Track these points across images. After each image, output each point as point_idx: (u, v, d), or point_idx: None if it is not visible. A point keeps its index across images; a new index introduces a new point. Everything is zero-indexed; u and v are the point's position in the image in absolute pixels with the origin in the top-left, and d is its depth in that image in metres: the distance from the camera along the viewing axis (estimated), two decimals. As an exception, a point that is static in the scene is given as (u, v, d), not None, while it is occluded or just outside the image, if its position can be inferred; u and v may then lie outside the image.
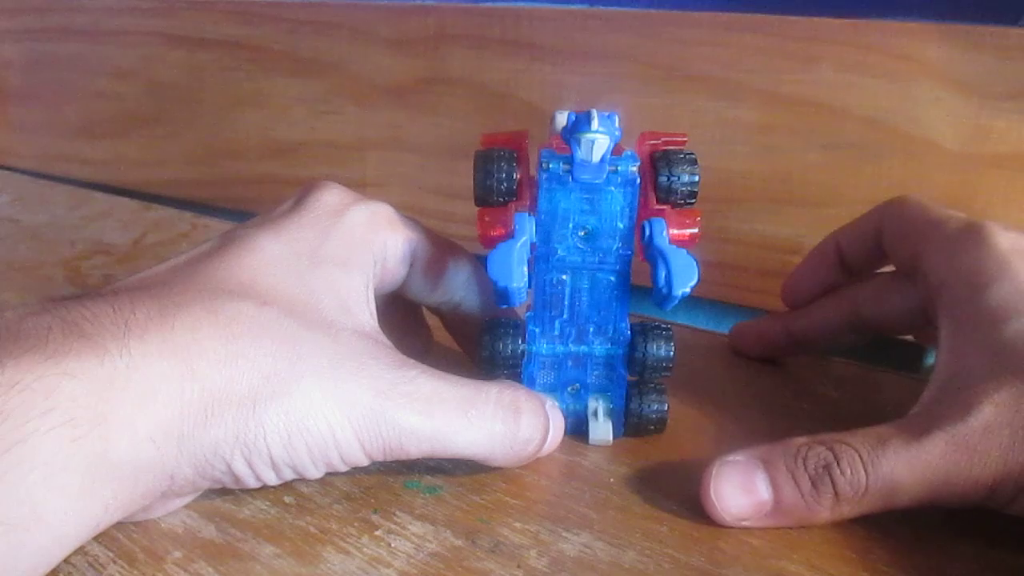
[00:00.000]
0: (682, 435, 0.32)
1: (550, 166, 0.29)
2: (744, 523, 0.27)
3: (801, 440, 0.27)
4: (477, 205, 0.30)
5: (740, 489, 0.27)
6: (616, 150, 0.29)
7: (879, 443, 0.26)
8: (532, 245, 0.29)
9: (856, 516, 0.26)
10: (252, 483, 0.25)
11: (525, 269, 0.28)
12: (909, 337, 0.39)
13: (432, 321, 0.37)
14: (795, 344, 0.38)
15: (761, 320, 0.40)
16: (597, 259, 0.30)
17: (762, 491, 0.26)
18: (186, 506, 0.27)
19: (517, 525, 0.27)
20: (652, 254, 0.29)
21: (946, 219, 0.31)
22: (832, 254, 0.36)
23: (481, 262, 0.31)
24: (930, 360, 0.43)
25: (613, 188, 0.29)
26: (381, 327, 0.29)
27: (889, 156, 0.40)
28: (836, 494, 0.26)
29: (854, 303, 0.35)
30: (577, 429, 0.32)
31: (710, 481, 0.27)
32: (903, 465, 0.25)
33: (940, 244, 0.30)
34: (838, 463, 0.26)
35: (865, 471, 0.25)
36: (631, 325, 0.31)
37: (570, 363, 0.32)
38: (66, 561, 0.24)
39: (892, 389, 0.37)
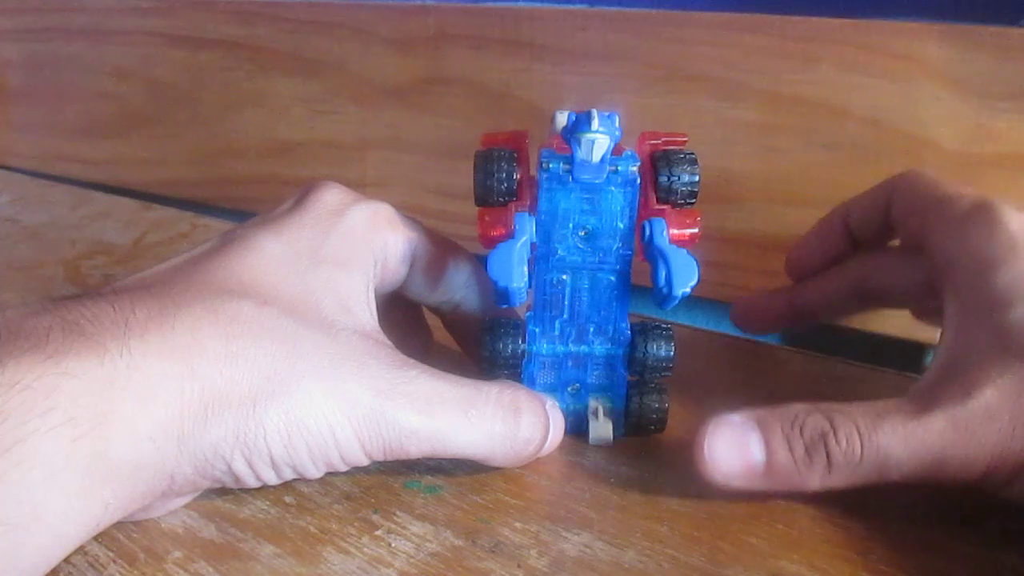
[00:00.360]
0: (682, 435, 0.32)
1: (550, 166, 0.29)
2: (733, 483, 0.27)
3: (800, 406, 0.27)
4: (477, 205, 0.30)
5: (734, 448, 0.26)
6: (616, 150, 0.29)
7: (877, 416, 0.25)
8: (532, 245, 0.29)
9: (846, 487, 0.26)
10: (252, 483, 0.25)
11: (525, 269, 0.28)
12: (908, 337, 0.39)
13: (432, 321, 0.37)
14: (799, 317, 0.37)
15: (764, 295, 0.40)
16: (597, 259, 0.30)
17: (755, 452, 0.26)
18: (186, 506, 0.27)
19: (517, 525, 0.27)
20: (652, 254, 0.29)
21: (957, 196, 0.30)
22: (839, 225, 0.35)
23: (481, 262, 0.31)
24: (930, 360, 0.43)
25: (613, 188, 0.29)
26: (381, 327, 0.29)
27: (889, 156, 0.40)
28: (829, 463, 0.25)
29: (860, 276, 0.35)
30: (577, 429, 0.32)
31: (704, 438, 0.27)
32: (899, 441, 0.25)
33: (949, 222, 0.30)
34: (834, 432, 0.25)
35: (860, 443, 0.25)
36: (631, 325, 0.31)
37: (570, 363, 0.32)
38: (66, 561, 0.24)
39: (892, 389, 0.37)
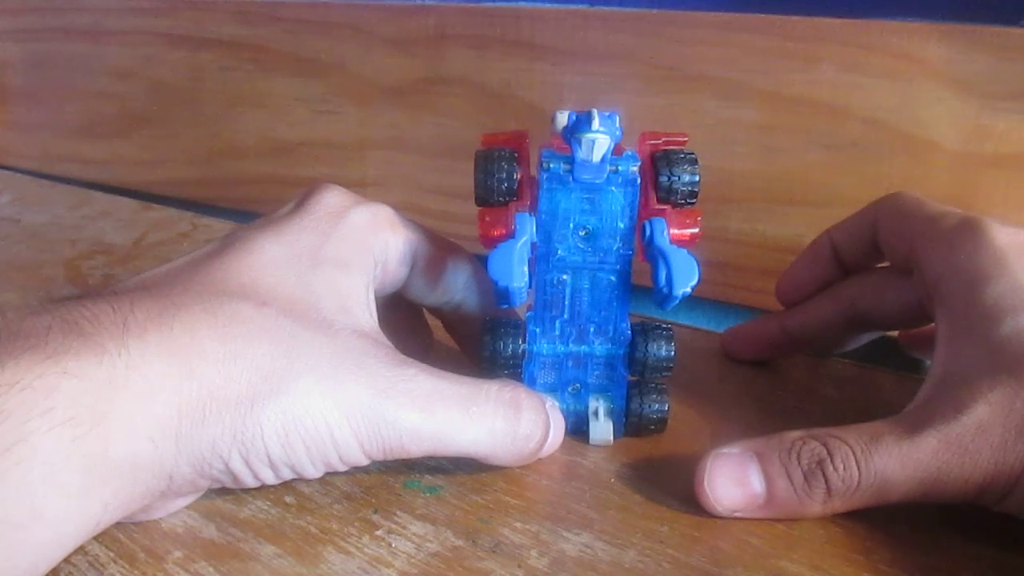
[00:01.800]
0: (682, 435, 0.32)
1: (551, 166, 0.29)
2: (736, 514, 0.27)
3: (795, 434, 0.27)
4: (478, 205, 0.30)
5: (733, 481, 0.27)
6: (617, 150, 0.29)
7: (872, 439, 0.26)
8: (533, 245, 0.29)
9: (847, 511, 0.26)
10: (250, 482, 0.25)
11: (526, 269, 0.28)
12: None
13: (432, 322, 0.37)
14: (792, 343, 0.38)
15: (755, 321, 0.40)
16: (598, 259, 0.30)
17: (755, 484, 0.27)
18: (187, 506, 0.27)
19: (518, 525, 0.27)
20: (653, 254, 0.29)
21: (942, 215, 0.31)
22: (827, 250, 0.36)
23: (482, 262, 0.31)
24: (929, 361, 0.43)
25: (614, 188, 0.29)
26: (382, 329, 0.29)
27: (890, 156, 0.40)
28: (828, 489, 0.26)
29: (850, 298, 0.35)
30: (578, 429, 0.32)
31: (704, 473, 0.27)
32: (895, 462, 0.25)
33: (936, 240, 0.30)
34: (831, 458, 0.26)
35: (858, 467, 0.25)
36: (631, 325, 0.31)
37: (571, 363, 0.32)
38: (67, 561, 0.24)
39: (892, 389, 0.37)
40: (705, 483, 0.27)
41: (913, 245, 0.31)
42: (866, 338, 0.37)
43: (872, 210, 0.34)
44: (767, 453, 0.27)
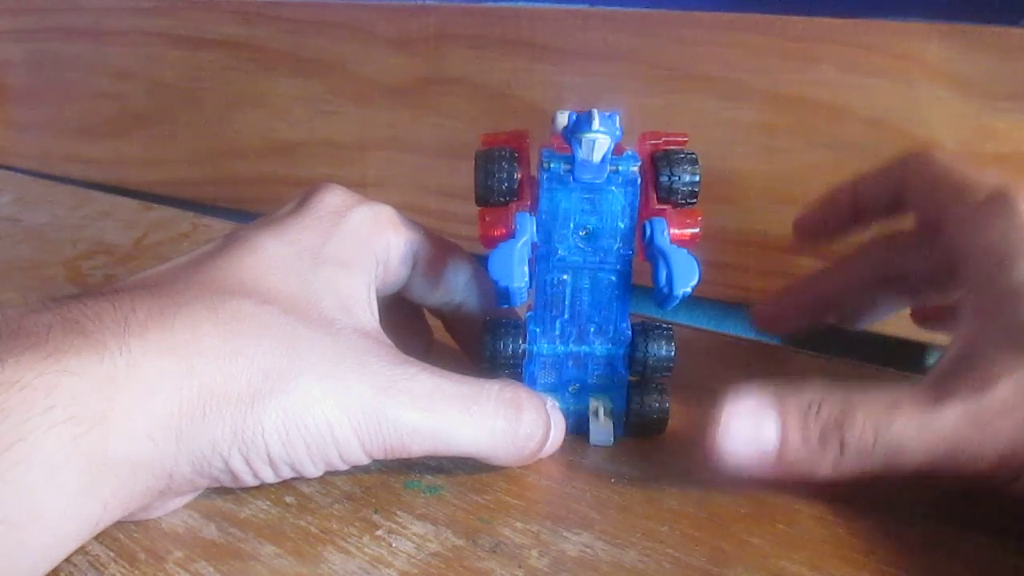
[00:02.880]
0: (683, 435, 0.32)
1: (551, 166, 0.29)
2: (743, 466, 0.26)
3: (816, 390, 0.27)
4: (478, 205, 0.30)
5: (748, 430, 0.26)
6: (617, 150, 0.29)
7: (892, 405, 0.25)
8: (533, 245, 0.29)
9: (856, 474, 0.26)
10: (250, 481, 0.25)
11: (526, 269, 0.28)
12: (909, 337, 0.39)
13: (432, 322, 0.37)
14: (827, 308, 0.37)
15: (786, 291, 0.39)
16: (598, 259, 0.30)
17: (769, 435, 0.26)
18: (187, 506, 0.27)
19: (518, 525, 0.27)
20: (653, 254, 0.29)
21: (973, 183, 0.30)
22: (849, 195, 0.35)
23: (482, 262, 0.31)
24: (931, 360, 0.43)
25: (614, 188, 0.29)
26: (383, 329, 0.29)
27: (890, 156, 0.40)
28: (842, 449, 0.25)
29: (881, 259, 0.35)
30: (578, 429, 0.32)
31: (718, 421, 0.26)
32: (912, 430, 0.25)
33: (966, 212, 0.29)
34: (849, 418, 0.26)
35: (875, 430, 0.25)
36: (632, 325, 0.31)
37: (571, 363, 0.32)
38: (67, 560, 0.24)
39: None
40: (719, 431, 0.26)
41: (941, 212, 0.30)
42: (896, 306, 0.37)
43: (900, 167, 0.33)
44: (786, 407, 0.26)
